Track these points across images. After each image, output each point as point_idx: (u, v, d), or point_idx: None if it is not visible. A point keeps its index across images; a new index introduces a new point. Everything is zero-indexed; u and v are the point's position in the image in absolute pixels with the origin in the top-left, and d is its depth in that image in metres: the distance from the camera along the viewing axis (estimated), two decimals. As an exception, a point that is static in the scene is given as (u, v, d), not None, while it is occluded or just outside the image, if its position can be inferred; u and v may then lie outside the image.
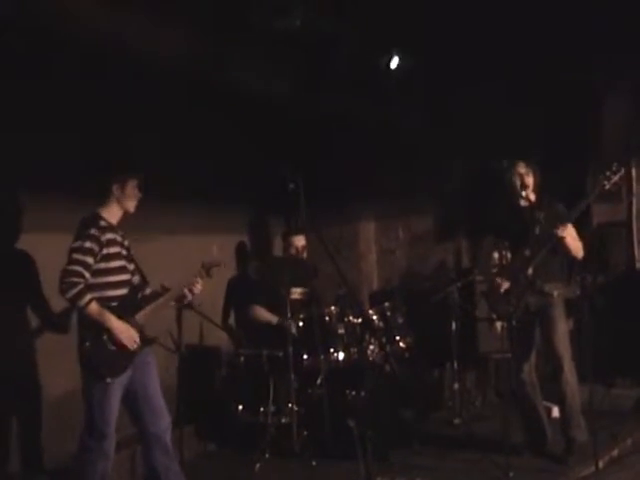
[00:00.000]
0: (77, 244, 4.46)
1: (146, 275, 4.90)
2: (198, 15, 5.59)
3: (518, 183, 5.57)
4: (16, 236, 5.54)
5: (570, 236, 5.33)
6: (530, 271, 5.40)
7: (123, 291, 4.63)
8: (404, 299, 7.15)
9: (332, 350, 6.19)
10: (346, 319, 6.35)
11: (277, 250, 8.18)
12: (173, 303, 4.87)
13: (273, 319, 6.55)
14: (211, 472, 5.92)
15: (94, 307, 4.40)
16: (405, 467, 5.50)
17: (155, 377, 4.77)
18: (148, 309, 4.68)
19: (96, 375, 4.45)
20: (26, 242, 5.56)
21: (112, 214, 4.68)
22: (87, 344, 4.44)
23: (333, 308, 6.37)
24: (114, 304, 4.54)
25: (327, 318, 6.30)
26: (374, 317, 6.51)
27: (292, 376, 5.83)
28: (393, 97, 7.37)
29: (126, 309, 4.58)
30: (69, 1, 4.92)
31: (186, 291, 4.74)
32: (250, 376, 6.35)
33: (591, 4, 6.04)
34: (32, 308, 5.56)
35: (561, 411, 5.63)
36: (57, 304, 5.44)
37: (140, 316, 4.63)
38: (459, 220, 8.24)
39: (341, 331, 6.29)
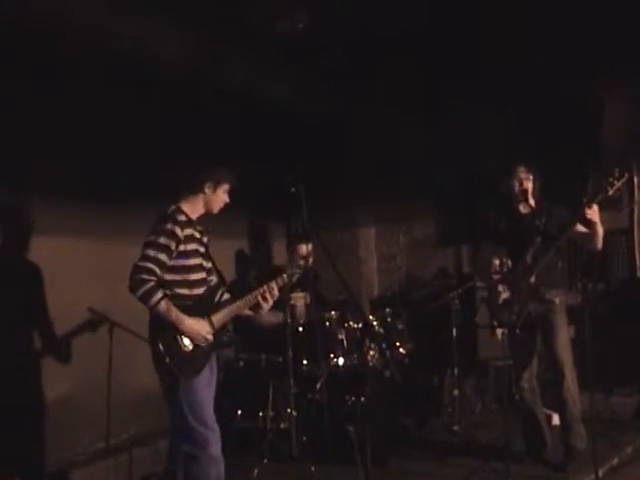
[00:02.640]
0: (151, 238, 4.29)
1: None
2: (198, 18, 5.59)
3: (517, 188, 5.54)
4: (21, 241, 5.57)
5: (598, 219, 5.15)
6: (533, 278, 5.36)
7: (200, 290, 4.46)
8: (404, 305, 7.14)
9: (332, 355, 6.18)
10: (346, 324, 6.34)
11: (277, 255, 8.17)
12: (249, 311, 4.69)
13: (277, 317, 6.44)
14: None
15: (164, 306, 4.23)
16: (404, 473, 5.50)
17: (213, 385, 4.59)
18: (224, 312, 4.52)
19: (172, 377, 4.27)
20: (30, 246, 5.60)
21: (194, 210, 4.52)
22: (160, 346, 4.26)
23: (333, 313, 6.35)
24: (189, 303, 4.38)
25: (327, 323, 6.28)
26: (374, 323, 6.50)
27: (291, 381, 5.81)
28: (394, 101, 7.37)
29: (202, 309, 4.42)
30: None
31: (261, 299, 4.58)
32: (249, 381, 6.33)
33: (592, 13, 6.04)
34: (32, 316, 5.60)
35: (561, 419, 5.60)
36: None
37: (216, 318, 4.46)
38: (460, 226, 8.22)
39: (341, 336, 6.27)
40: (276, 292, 4.62)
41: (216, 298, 4.61)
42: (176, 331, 4.29)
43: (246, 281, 7.63)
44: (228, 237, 7.74)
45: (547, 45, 6.43)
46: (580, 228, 5.32)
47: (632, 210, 7.43)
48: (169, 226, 4.30)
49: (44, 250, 5.62)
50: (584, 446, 5.42)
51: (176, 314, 4.26)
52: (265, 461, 5.87)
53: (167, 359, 4.25)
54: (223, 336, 4.57)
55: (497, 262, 5.69)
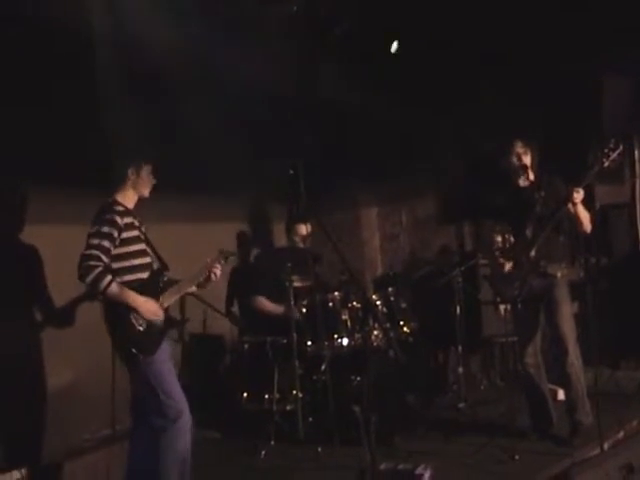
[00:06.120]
0: (94, 229, 4.48)
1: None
2: (198, 4, 5.57)
3: (516, 163, 5.53)
4: (19, 228, 5.56)
5: (582, 205, 5.23)
6: (533, 252, 5.36)
7: (144, 275, 4.63)
8: (407, 284, 7.13)
9: (336, 336, 6.18)
10: (350, 305, 6.33)
11: (278, 237, 8.16)
12: (194, 288, 4.90)
13: (278, 309, 6.51)
14: (216, 460, 5.91)
15: (114, 288, 4.41)
16: (410, 452, 5.49)
17: (172, 361, 4.78)
18: (171, 291, 4.72)
19: (132, 356, 4.45)
20: (28, 234, 5.59)
21: (128, 199, 4.71)
22: (117, 329, 4.48)
23: (336, 294, 6.35)
24: (135, 286, 4.54)
25: (330, 304, 6.28)
26: (378, 302, 6.50)
27: (296, 363, 5.83)
28: (392, 82, 7.34)
29: (148, 291, 4.59)
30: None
31: (212, 275, 4.81)
32: (254, 364, 6.34)
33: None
34: (35, 302, 5.58)
35: (566, 394, 5.60)
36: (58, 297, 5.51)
37: (164, 298, 4.65)
38: (461, 204, 8.21)
39: (345, 317, 6.27)
40: (219, 271, 4.84)
41: (160, 282, 4.75)
42: (128, 311, 4.47)
43: (249, 263, 7.63)
44: (229, 219, 7.75)
45: (547, 17, 6.39)
46: (572, 208, 5.31)
47: (634, 184, 7.40)
48: (109, 216, 4.52)
49: (44, 237, 5.65)
50: (590, 421, 5.41)
51: (127, 293, 4.47)
52: (271, 443, 5.89)
53: (123, 339, 4.48)
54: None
55: (499, 239, 5.66)
